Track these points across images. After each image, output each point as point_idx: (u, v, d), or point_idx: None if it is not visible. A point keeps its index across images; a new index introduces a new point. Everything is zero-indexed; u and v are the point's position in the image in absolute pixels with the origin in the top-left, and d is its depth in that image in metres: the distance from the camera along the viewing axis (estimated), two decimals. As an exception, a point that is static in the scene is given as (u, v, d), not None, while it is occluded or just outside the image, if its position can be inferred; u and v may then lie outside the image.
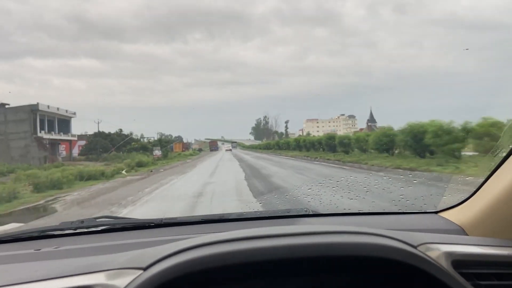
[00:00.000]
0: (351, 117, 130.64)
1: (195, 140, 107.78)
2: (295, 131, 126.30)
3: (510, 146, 1.31)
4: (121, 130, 48.50)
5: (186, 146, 73.54)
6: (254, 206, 7.65)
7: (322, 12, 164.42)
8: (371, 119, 68.57)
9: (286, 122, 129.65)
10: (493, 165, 1.37)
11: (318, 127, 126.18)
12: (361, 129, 69.78)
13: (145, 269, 0.88)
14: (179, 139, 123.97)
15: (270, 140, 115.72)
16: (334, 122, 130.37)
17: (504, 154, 1.32)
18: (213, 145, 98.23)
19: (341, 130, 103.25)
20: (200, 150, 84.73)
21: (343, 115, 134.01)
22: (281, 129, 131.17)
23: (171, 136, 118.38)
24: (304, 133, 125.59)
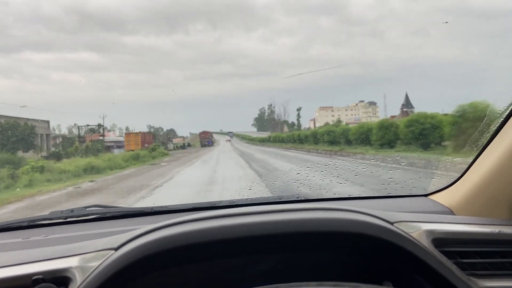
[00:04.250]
0: (372, 104, 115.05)
1: (190, 133, 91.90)
2: (302, 122, 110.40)
3: (497, 126, 1.34)
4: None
5: (149, 139, 48.89)
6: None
7: (328, 0, 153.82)
8: (407, 104, 53.66)
9: (298, 109, 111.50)
10: (480, 145, 1.39)
11: (333, 116, 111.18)
12: (392, 117, 55.84)
13: (116, 249, 0.90)
14: (171, 132, 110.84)
15: (277, 132, 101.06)
16: (351, 110, 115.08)
17: (490, 135, 1.34)
18: (205, 138, 70.69)
19: (361, 119, 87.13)
20: (185, 146, 65.74)
21: (362, 101, 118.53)
22: (291, 119, 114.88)
23: (162, 129, 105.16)
24: (317, 124, 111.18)
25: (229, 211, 0.97)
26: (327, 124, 54.55)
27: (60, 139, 36.92)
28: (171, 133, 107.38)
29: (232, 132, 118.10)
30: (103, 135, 41.50)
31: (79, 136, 40.68)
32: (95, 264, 0.89)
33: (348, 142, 21.69)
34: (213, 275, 1.00)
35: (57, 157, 18.63)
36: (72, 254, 0.97)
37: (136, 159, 21.64)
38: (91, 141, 36.28)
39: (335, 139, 23.51)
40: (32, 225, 1.62)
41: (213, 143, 76.79)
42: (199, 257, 0.91)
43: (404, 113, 48.90)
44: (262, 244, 0.90)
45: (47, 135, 26.01)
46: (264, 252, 0.94)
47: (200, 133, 79.80)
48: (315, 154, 20.66)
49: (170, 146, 62.10)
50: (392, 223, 0.96)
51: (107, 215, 1.70)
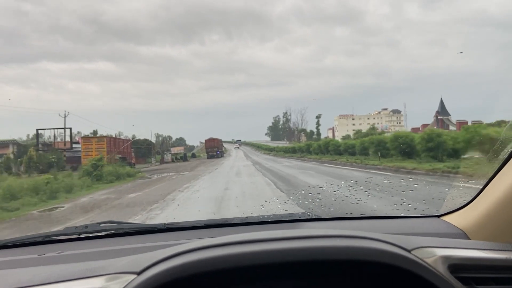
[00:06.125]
0: (396, 112, 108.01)
1: (200, 142, 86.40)
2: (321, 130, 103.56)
3: (511, 149, 1.31)
4: None
5: (120, 147, 31.25)
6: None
7: (344, 10, 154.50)
8: (443, 111, 46.46)
9: (318, 116, 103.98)
10: (495, 167, 1.36)
11: (354, 124, 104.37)
12: (424, 126, 49.24)
13: (138, 273, 0.90)
14: (180, 141, 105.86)
15: (292, 141, 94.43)
16: (374, 118, 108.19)
17: (505, 157, 1.32)
18: (213, 147, 57.53)
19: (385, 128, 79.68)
20: (186, 157, 52.93)
21: (385, 109, 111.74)
22: (309, 127, 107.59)
23: (171, 137, 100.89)
24: (336, 133, 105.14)
25: (252, 236, 0.96)
26: (369, 131, 46.26)
27: (15, 147, 30.59)
28: (181, 141, 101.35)
29: (240, 140, 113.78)
30: (71, 143, 32.24)
31: (37, 144, 33.61)
32: (115, 287, 0.89)
33: (409, 154, 18.39)
34: None
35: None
36: (93, 275, 0.96)
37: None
38: (37, 150, 28.75)
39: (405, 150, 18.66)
40: (46, 240, 1.64)
41: (223, 153, 67.77)
42: (222, 283, 0.91)
43: (439, 121, 42.47)
44: (282, 270, 0.91)
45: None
46: (283, 278, 0.95)
47: (206, 141, 65.55)
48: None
49: (168, 157, 53.70)
50: (409, 251, 0.95)
51: (121, 231, 1.72)
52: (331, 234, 0.98)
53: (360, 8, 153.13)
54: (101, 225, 1.72)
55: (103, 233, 1.68)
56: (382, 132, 43.62)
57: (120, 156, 27.83)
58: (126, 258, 1.04)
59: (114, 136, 35.19)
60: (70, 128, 34.05)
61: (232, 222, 1.76)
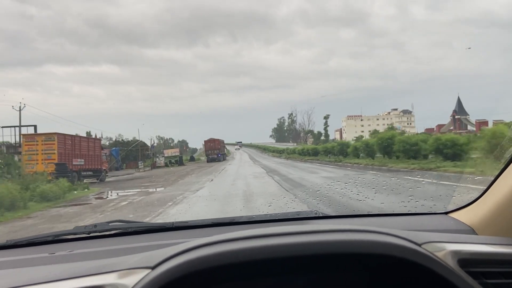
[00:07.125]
0: (406, 112, 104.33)
1: (203, 145, 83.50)
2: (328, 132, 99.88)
3: None
4: None
5: (82, 149, 23.37)
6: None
7: (349, 12, 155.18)
8: (460, 111, 42.88)
9: (326, 117, 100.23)
10: (502, 163, 1.37)
11: (362, 125, 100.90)
12: (440, 126, 46.01)
13: (153, 268, 0.92)
14: (182, 144, 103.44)
15: (299, 142, 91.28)
16: (383, 118, 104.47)
17: None
18: (213, 149, 52.54)
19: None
20: (182, 161, 48.48)
21: (395, 109, 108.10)
22: (317, 128, 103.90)
23: (172, 140, 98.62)
24: (344, 134, 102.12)
25: (264, 231, 0.98)
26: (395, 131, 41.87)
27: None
28: (183, 143, 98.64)
29: (241, 142, 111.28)
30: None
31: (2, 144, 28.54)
32: (130, 282, 0.90)
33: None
34: None
35: None
36: (107, 271, 0.98)
37: None
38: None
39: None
40: (56, 239, 1.67)
41: (225, 156, 62.71)
42: (235, 277, 0.93)
43: (457, 121, 39.13)
44: (293, 264, 0.93)
45: None
46: (294, 272, 0.96)
47: (206, 142, 57.61)
48: None
49: (160, 161, 49.14)
50: (420, 245, 0.97)
51: (129, 230, 1.76)
52: (341, 229, 0.98)
53: (365, 10, 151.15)
54: (110, 224, 1.76)
55: (112, 232, 1.71)
56: (403, 132, 39.59)
57: (56, 163, 19.82)
58: (138, 255, 1.05)
59: (69, 134, 23.74)
60: (35, 126, 28.68)
61: (240, 221, 1.81)
